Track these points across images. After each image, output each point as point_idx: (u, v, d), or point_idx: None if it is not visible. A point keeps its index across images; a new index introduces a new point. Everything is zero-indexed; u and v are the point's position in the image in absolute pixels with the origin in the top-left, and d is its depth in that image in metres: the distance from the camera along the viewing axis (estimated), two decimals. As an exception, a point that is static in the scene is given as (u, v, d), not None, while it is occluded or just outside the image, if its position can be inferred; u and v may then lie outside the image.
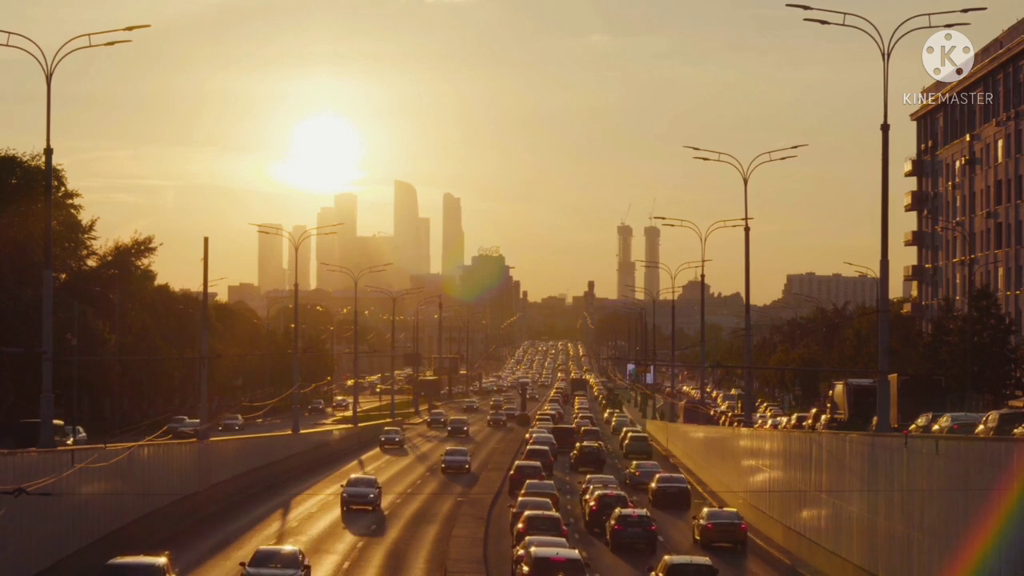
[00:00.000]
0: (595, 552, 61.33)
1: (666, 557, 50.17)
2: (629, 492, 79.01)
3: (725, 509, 69.08)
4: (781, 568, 59.15)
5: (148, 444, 63.40)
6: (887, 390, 55.11)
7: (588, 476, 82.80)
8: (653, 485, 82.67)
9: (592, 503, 69.44)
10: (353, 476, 79.39)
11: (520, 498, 68.34)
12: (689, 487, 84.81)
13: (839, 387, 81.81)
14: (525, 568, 47.35)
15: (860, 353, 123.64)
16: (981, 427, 51.56)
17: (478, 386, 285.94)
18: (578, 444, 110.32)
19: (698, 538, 64.93)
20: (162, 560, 45.43)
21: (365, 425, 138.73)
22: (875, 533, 47.42)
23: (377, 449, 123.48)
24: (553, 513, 61.22)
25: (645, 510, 66.29)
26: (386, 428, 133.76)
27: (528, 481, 75.21)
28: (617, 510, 63.46)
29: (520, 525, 58.08)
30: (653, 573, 49.21)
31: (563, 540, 53.58)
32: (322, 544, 61.85)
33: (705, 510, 67.89)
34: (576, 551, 50.70)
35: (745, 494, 75.12)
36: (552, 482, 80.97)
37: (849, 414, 78.06)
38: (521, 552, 50.71)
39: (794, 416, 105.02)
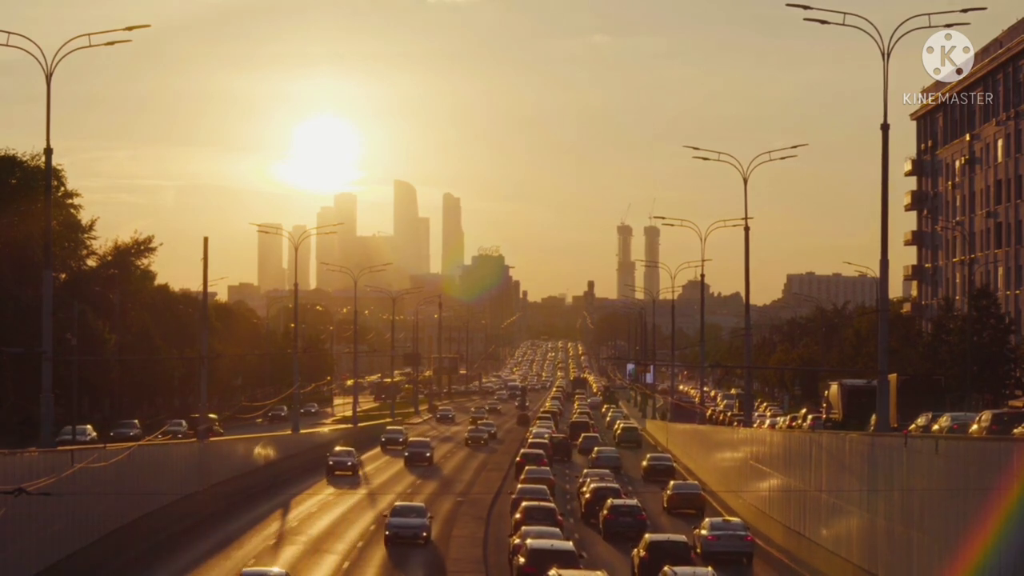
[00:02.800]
0: (589, 541, 63.74)
1: (647, 535, 54.28)
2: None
3: (688, 482, 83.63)
4: None
5: (148, 444, 63.46)
6: (887, 390, 55.17)
7: (585, 470, 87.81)
8: (644, 463, 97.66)
9: (588, 494, 72.41)
10: (248, 570, 48.42)
11: (519, 485, 75.10)
12: (674, 465, 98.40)
13: (834, 387, 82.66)
14: (522, 559, 49.07)
15: (860, 353, 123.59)
16: (975, 427, 51.66)
17: (478, 385, 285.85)
18: (548, 436, 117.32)
19: (665, 506, 75.88)
20: None
21: (364, 425, 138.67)
22: (875, 533, 47.45)
23: (324, 479, 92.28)
24: (549, 504, 64.60)
25: (636, 501, 70.13)
26: (337, 449, 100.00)
27: (527, 467, 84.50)
28: (609, 500, 66.96)
29: (518, 515, 61.12)
30: (636, 550, 52.91)
31: (557, 531, 55.73)
32: (322, 544, 61.87)
33: (672, 483, 79.83)
34: (570, 542, 52.42)
35: (715, 473, 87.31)
36: (549, 468, 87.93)
37: (843, 414, 78.58)
38: (518, 542, 52.80)
39: (789, 416, 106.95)
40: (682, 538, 53.88)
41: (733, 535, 58.41)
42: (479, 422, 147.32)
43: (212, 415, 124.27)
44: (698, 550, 56.68)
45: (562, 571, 44.20)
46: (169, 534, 62.93)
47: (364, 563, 57.17)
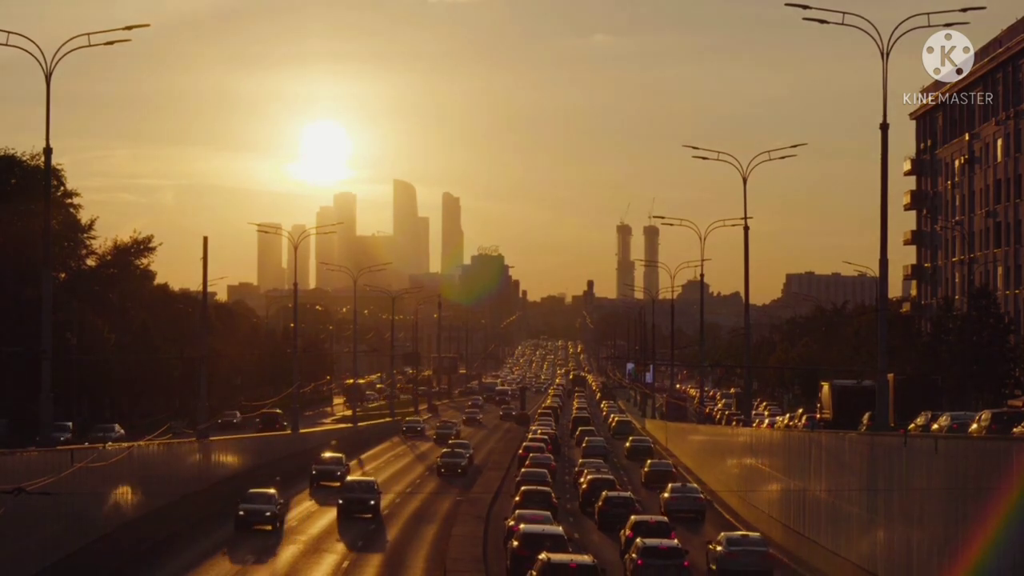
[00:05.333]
0: (585, 530, 67.68)
1: (632, 516, 58.96)
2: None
3: (663, 461, 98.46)
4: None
5: (148, 444, 63.42)
6: (886, 389, 55.17)
7: (581, 460, 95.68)
8: (627, 445, 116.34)
9: (584, 485, 77.37)
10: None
11: (523, 469, 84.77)
12: (653, 446, 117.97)
13: (825, 388, 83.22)
14: (516, 543, 51.94)
15: (859, 352, 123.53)
16: (975, 426, 51.64)
17: (477, 385, 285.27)
18: (539, 432, 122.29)
19: (643, 481, 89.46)
20: None
21: (365, 424, 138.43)
22: (875, 533, 47.43)
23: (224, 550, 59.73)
24: (546, 488, 71.28)
25: (630, 493, 75.03)
26: (250, 492, 67.55)
27: (531, 455, 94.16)
28: (605, 492, 70.70)
29: (517, 498, 67.72)
30: (623, 531, 57.48)
31: (549, 516, 58.88)
32: (321, 544, 61.87)
33: (649, 461, 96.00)
34: (560, 527, 55.42)
35: (689, 457, 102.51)
36: (550, 456, 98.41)
37: (833, 414, 78.80)
38: (512, 524, 56.39)
39: (787, 415, 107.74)
40: (664, 519, 59.92)
41: (689, 496, 74.00)
42: (452, 441, 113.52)
43: (277, 410, 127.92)
44: (663, 510, 69.15)
45: (552, 554, 46.29)
46: (169, 534, 62.84)
47: (364, 562, 57.17)
